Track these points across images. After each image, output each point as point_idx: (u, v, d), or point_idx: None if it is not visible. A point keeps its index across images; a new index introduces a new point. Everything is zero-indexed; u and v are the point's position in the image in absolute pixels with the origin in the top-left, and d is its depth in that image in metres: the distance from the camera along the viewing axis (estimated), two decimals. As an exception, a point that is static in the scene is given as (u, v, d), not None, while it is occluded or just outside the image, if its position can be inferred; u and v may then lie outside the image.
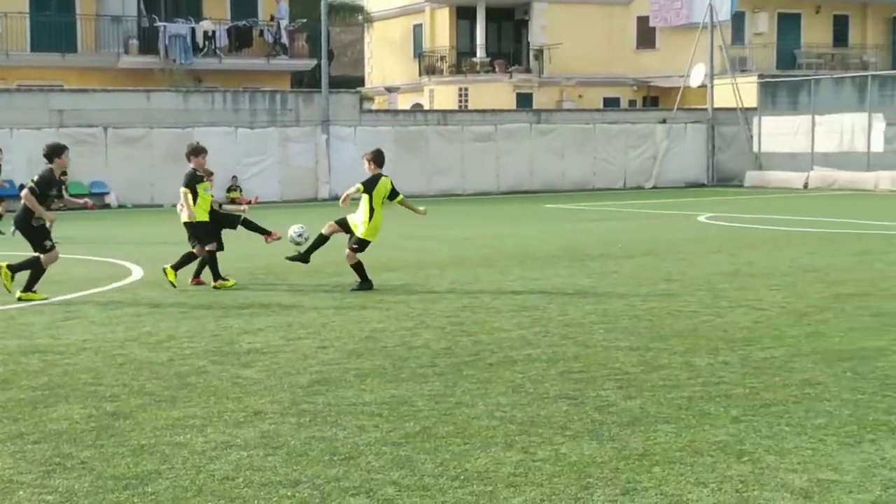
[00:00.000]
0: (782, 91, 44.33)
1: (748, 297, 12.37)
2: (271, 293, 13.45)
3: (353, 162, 29.31)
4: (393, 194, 13.57)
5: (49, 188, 12.71)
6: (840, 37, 56.64)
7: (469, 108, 47.81)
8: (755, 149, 42.98)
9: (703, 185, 43.12)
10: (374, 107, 49.89)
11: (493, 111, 42.15)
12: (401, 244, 19.45)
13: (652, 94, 53.79)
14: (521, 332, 10.32)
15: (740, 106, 42.67)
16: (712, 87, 43.79)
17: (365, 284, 13.39)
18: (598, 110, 45.47)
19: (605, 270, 15.31)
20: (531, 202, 34.25)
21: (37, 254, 12.84)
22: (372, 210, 13.36)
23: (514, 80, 51.36)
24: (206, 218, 13.87)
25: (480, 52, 51.93)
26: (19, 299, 12.72)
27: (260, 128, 36.86)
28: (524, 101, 50.43)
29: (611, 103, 51.43)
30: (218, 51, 43.08)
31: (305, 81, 49.97)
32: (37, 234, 12.80)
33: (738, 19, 51.54)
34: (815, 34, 55.62)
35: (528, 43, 52.82)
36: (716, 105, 44.05)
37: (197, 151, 14.02)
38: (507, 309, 11.81)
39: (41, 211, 12.60)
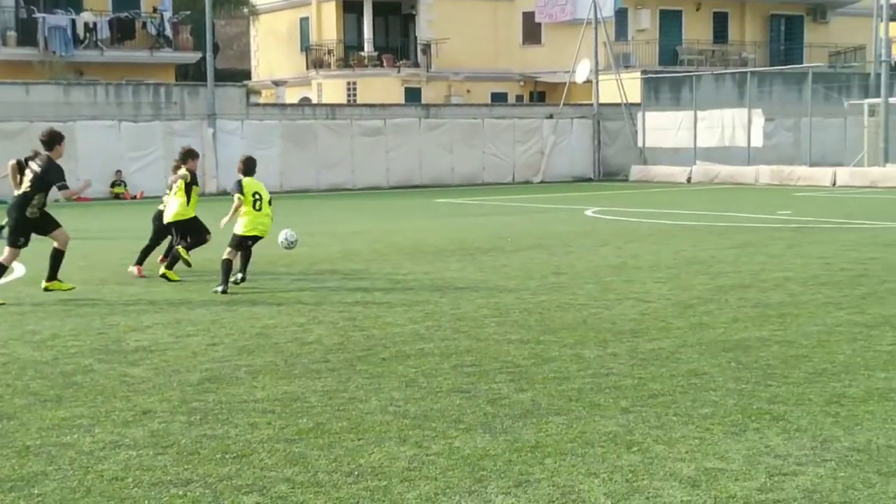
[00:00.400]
0: (665, 87, 45.21)
1: (635, 290, 12.59)
2: (159, 290, 13.23)
3: (240, 156, 28.91)
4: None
5: (61, 177, 12.31)
6: (720, 33, 57.96)
7: (357, 102, 47.70)
8: (640, 144, 43.74)
9: (589, 180, 43.73)
10: (262, 100, 49.40)
11: (381, 105, 42.11)
12: (290, 239, 19.32)
13: (539, 89, 54.34)
14: (414, 327, 10.33)
15: (625, 101, 43.39)
16: (597, 82, 44.45)
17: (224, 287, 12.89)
18: (486, 105, 45.77)
19: (496, 264, 15.43)
20: (421, 197, 34.31)
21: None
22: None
23: (402, 74, 51.36)
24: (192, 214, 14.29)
25: (368, 47, 51.82)
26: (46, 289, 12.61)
27: (144, 121, 36.19)
28: (413, 95, 50.48)
29: (498, 98, 51.82)
30: (100, 43, 42.18)
31: (190, 74, 49.24)
32: (17, 225, 12.34)
33: (621, 16, 52.36)
34: (695, 31, 56.82)
35: (416, 37, 52.89)
36: (601, 100, 44.72)
37: (194, 155, 14.69)
38: (400, 304, 11.82)
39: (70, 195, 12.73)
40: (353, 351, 9.21)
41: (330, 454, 6.20)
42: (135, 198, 24.25)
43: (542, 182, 42.36)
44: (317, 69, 52.08)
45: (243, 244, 13.40)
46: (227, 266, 13.04)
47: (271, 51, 56.75)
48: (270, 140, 38.10)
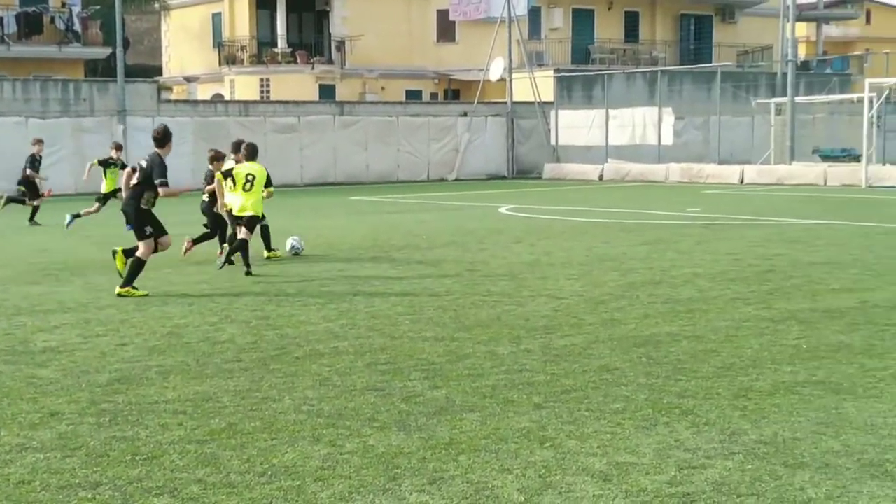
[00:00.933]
0: (577, 85, 45.63)
1: (548, 287, 12.69)
2: (67, 290, 12.99)
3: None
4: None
5: (163, 174, 12.52)
6: (631, 33, 58.67)
7: (271, 98, 47.33)
8: (553, 141, 44.09)
9: (503, 177, 43.95)
10: (173, 97, 48.80)
11: (295, 102, 41.83)
12: (202, 237, 19.10)
13: (453, 87, 54.46)
14: (328, 325, 10.29)
15: (538, 100, 43.68)
16: (511, 80, 44.70)
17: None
18: (400, 103, 45.74)
19: (411, 261, 15.43)
20: (336, 194, 34.18)
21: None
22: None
23: (316, 71, 51.10)
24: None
25: (282, 43, 51.46)
26: (119, 295, 12.22)
27: (52, 118, 35.49)
28: (327, 92, 50.25)
29: (413, 96, 51.82)
30: (6, 38, 41.28)
31: (100, 70, 48.44)
32: (138, 217, 12.59)
33: (534, 14, 52.73)
34: (607, 30, 57.43)
35: (330, 34, 52.65)
36: (515, 99, 44.98)
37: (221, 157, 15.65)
38: (314, 302, 11.76)
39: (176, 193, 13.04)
40: (266, 350, 9.14)
41: (242, 454, 6.15)
42: (42, 196, 24.17)
43: (456, 179, 42.46)
44: (229, 65, 51.58)
45: (238, 222, 14.55)
46: (244, 245, 14.15)
47: (183, 46, 56.05)
48: (182, 137, 37.47)
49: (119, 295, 12.26)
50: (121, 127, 36.20)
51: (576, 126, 43.33)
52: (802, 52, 74.29)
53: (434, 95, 53.77)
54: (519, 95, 44.93)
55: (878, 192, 30.47)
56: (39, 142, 24.74)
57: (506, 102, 45.18)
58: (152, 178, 12.52)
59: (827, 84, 49.24)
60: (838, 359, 8.50)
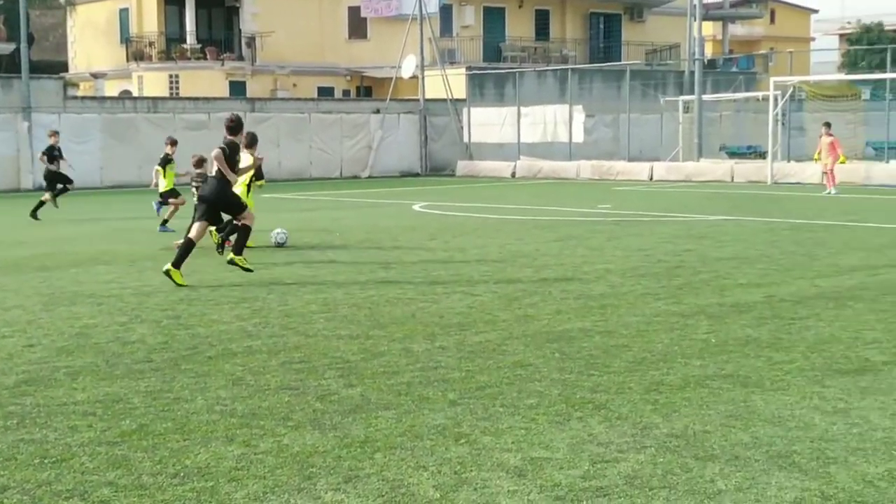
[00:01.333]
0: (489, 83, 45.86)
1: (462, 284, 12.73)
2: (-29, 290, 12.67)
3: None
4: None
5: (234, 156, 13.28)
6: (542, 31, 59.14)
7: (180, 95, 46.73)
8: (465, 139, 44.25)
9: (416, 175, 43.98)
10: (80, 93, 47.94)
11: (205, 99, 41.38)
12: (112, 237, 18.82)
13: (365, 84, 54.35)
14: (241, 324, 10.20)
15: (450, 97, 43.80)
16: (423, 78, 44.75)
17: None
18: (312, 100, 45.51)
19: (324, 259, 15.37)
20: (246, 192, 33.81)
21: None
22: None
23: (226, 67, 50.62)
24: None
25: (191, 39, 50.86)
26: (230, 262, 13.24)
27: (-46, 114, 34.63)
28: (237, 88, 49.80)
29: (325, 93, 51.60)
30: None
31: (4, 66, 47.37)
32: (237, 200, 13.48)
33: (445, 12, 52.86)
34: (518, 28, 57.80)
35: (240, 30, 52.18)
36: (427, 96, 45.05)
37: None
38: (226, 300, 11.65)
39: (233, 177, 13.41)
40: (177, 350, 9.02)
41: (154, 456, 6.06)
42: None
43: (369, 177, 42.39)
44: (137, 62, 50.84)
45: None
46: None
47: (89, 42, 55.06)
48: (90, 134, 37.02)
49: (231, 262, 13.33)
50: (25, 124, 35.44)
51: (488, 123, 43.55)
52: (709, 51, 75.56)
53: (346, 92, 53.61)
54: (431, 93, 45.00)
55: (783, 189, 31.12)
56: (55, 133, 25.14)
57: (418, 100, 45.23)
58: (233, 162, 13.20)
59: (733, 82, 50.22)
60: (746, 352, 8.67)
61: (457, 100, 44.30)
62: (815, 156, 29.66)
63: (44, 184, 25.04)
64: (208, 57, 50.38)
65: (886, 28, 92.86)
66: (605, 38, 61.23)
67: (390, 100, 44.46)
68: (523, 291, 12.04)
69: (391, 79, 45.24)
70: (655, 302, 11.20)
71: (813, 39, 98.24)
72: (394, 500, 5.36)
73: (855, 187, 30.52)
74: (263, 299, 11.71)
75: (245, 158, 15.22)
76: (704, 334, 9.44)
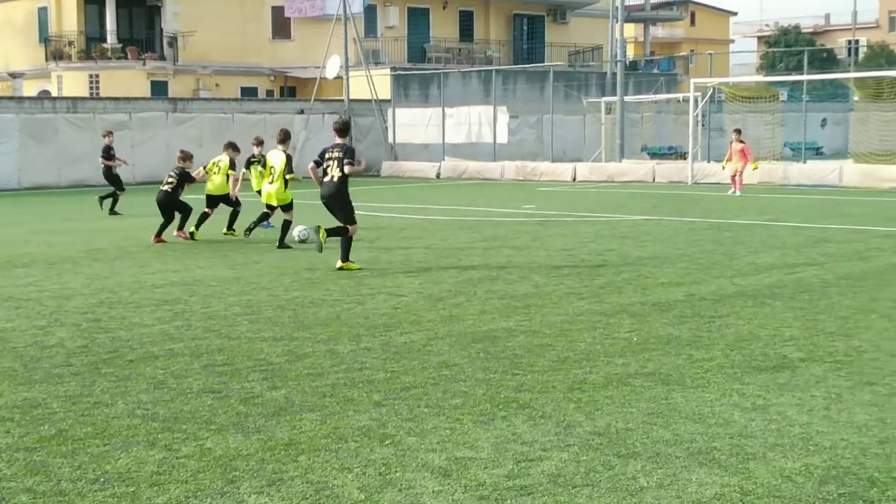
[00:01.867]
0: (414, 84, 45.87)
1: (387, 284, 12.72)
2: None
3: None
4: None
5: (353, 156, 14.30)
6: (466, 32, 59.32)
7: (101, 95, 46.04)
8: (390, 139, 44.21)
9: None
10: (-3, 93, 46.96)
11: (126, 99, 40.81)
12: (30, 238, 18.49)
13: (289, 84, 54.05)
14: (163, 327, 10.08)
15: (375, 98, 43.74)
16: (348, 78, 44.63)
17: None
18: (236, 100, 45.10)
19: (248, 261, 15.25)
20: (169, 193, 33.41)
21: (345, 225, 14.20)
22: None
23: (147, 67, 50.00)
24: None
25: (111, 38, 50.14)
26: (339, 269, 13.91)
27: None
28: (159, 88, 49.22)
29: (248, 93, 51.21)
30: None
31: (-83, 65, 46.28)
32: (351, 205, 14.34)
33: (370, 13, 52.79)
34: (443, 29, 57.92)
35: (162, 30, 51.58)
36: (352, 96, 44.93)
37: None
38: (147, 303, 11.51)
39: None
40: (97, 353, 8.89)
41: (74, 461, 5.97)
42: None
43: (294, 178, 42.09)
44: (57, 61, 50.00)
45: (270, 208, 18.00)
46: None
47: (6, 41, 54.03)
48: (7, 134, 36.32)
49: (340, 268, 13.96)
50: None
51: (413, 124, 43.56)
52: (631, 53, 76.40)
53: (270, 93, 53.26)
54: (356, 93, 44.91)
55: (703, 189, 31.56)
56: (109, 133, 26.49)
57: (343, 100, 45.08)
58: (343, 163, 14.16)
59: (654, 84, 50.84)
60: (667, 351, 8.78)
61: (381, 100, 44.25)
62: (724, 163, 30.05)
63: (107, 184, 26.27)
64: (129, 56, 49.71)
65: (803, 30, 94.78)
66: (528, 40, 61.60)
67: (315, 100, 44.25)
68: (448, 292, 12.07)
69: (315, 79, 45.03)
70: (578, 301, 11.30)
71: (732, 42, 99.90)
72: (318, 502, 5.34)
73: (773, 187, 31.07)
74: (185, 302, 11.59)
75: (278, 155, 17.88)
76: (626, 333, 9.55)
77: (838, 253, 15.17)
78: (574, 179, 37.54)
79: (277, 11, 52.80)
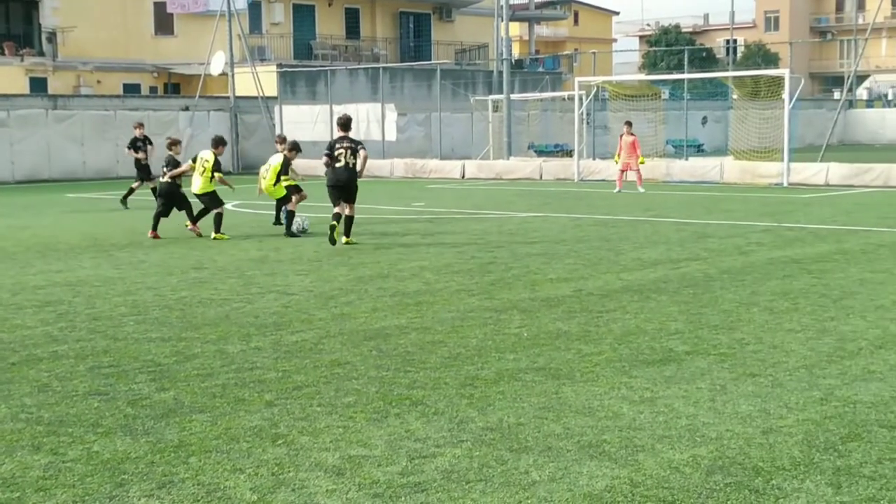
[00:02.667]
0: (301, 81, 45.56)
1: (277, 283, 12.63)
2: None
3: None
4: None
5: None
6: (352, 29, 59.16)
7: (-24, 92, 44.69)
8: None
9: (228, 173, 43.18)
10: None
11: (4, 96, 39.66)
12: None
13: (173, 80, 53.21)
14: (46, 329, 9.85)
15: (261, 94, 43.32)
16: (233, 75, 44.12)
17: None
18: (118, 96, 44.24)
19: (133, 260, 14.98)
20: (51, 191, 32.70)
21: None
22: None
23: (25, 63, 48.72)
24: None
25: (-13, 33, 48.74)
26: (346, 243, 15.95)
27: None
28: (38, 85, 48.00)
29: (131, 89, 50.27)
30: None
31: None
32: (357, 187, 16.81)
33: (255, 9, 52.27)
34: (329, 26, 57.64)
35: (40, 25, 50.29)
36: (238, 93, 44.42)
37: (223, 142, 19.35)
38: (30, 305, 11.22)
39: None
40: (-22, 357, 8.64)
41: (-45, 469, 5.80)
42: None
43: (179, 175, 41.48)
44: (-72, 56, 48.39)
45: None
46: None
47: None
48: None
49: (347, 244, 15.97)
50: None
51: (301, 121, 43.22)
52: (516, 52, 77.12)
53: (153, 89, 52.36)
54: (242, 90, 44.41)
55: (589, 185, 31.99)
56: (140, 125, 27.70)
57: (229, 97, 44.55)
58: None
59: (540, 82, 51.38)
60: (557, 345, 8.89)
61: (268, 97, 43.84)
62: (616, 157, 30.34)
63: (137, 173, 26.82)
64: (6, 52, 48.36)
65: (683, 30, 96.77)
66: (415, 38, 61.72)
67: (200, 97, 43.65)
68: (339, 290, 12.03)
69: (200, 76, 44.42)
70: (469, 298, 11.36)
71: (615, 41, 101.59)
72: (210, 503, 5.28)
73: (656, 184, 31.64)
74: (69, 302, 11.33)
75: (276, 157, 19.96)
76: (517, 328, 9.64)
77: (720, 248, 15.54)
78: (463, 177, 37.73)
79: (160, 7, 51.92)
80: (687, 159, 36.31)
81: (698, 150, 49.27)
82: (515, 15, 67.57)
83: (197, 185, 18.46)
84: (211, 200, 18.50)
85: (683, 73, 40.89)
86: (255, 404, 7.10)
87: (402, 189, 32.09)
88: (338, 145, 16.58)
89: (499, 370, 8.02)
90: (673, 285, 12.08)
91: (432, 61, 51.96)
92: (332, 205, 16.77)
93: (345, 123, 16.92)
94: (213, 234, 17.92)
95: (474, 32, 62.61)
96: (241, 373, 8.01)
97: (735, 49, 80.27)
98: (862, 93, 78.12)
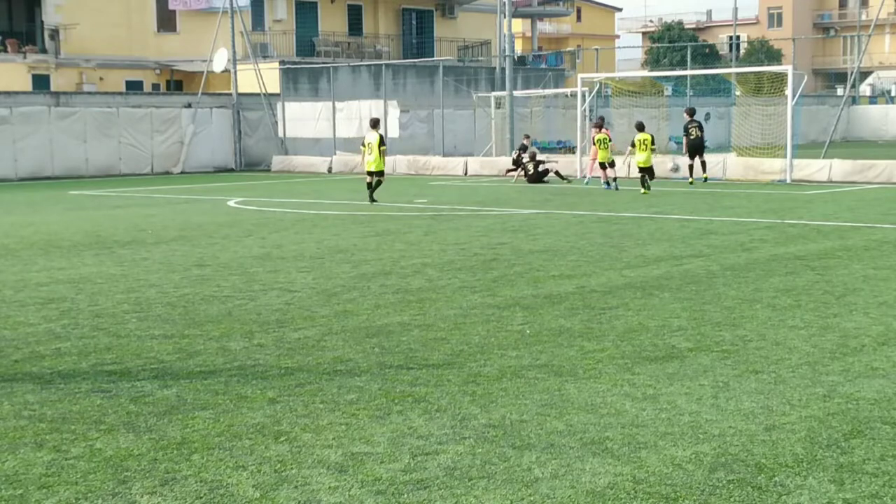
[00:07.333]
0: (303, 78, 45.54)
1: (280, 280, 12.63)
2: None
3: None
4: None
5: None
6: (355, 26, 59.11)
7: (-21, 89, 44.72)
8: (280, 134, 43.84)
9: (231, 170, 43.33)
10: None
11: (6, 93, 39.68)
12: None
13: (176, 77, 53.19)
14: (49, 326, 9.85)
15: (264, 91, 43.32)
16: (235, 72, 44.11)
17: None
18: (120, 93, 44.25)
19: (136, 258, 14.99)
20: (54, 188, 32.73)
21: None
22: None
23: (28, 60, 48.72)
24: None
25: (-10, 30, 48.74)
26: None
27: None
28: (41, 82, 48.01)
29: (133, 86, 50.28)
30: None
31: None
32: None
33: (257, 6, 52.25)
34: (331, 23, 57.61)
35: (43, 22, 50.29)
36: (240, 90, 44.42)
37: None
38: (33, 302, 11.23)
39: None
40: (-19, 354, 8.65)
41: (-42, 466, 5.81)
42: None
43: (182, 172, 41.54)
44: (-69, 53, 48.41)
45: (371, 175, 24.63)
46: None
47: None
48: None
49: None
50: None
51: (303, 118, 43.26)
52: (519, 48, 77.09)
53: (156, 86, 52.35)
54: (244, 87, 44.41)
55: (591, 182, 31.95)
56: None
57: (231, 94, 44.55)
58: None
59: (542, 79, 51.35)
60: (560, 342, 8.89)
61: (270, 94, 43.84)
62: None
63: None
64: (9, 50, 48.37)
65: (686, 26, 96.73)
66: (417, 34, 61.66)
67: (202, 94, 43.65)
68: (342, 287, 12.03)
69: (202, 73, 44.42)
70: (472, 295, 11.36)
71: (617, 37, 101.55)
72: (212, 501, 5.28)
73: (659, 180, 31.60)
74: (72, 300, 11.34)
75: (373, 135, 24.63)
76: (519, 325, 9.64)
77: (723, 245, 15.53)
78: (465, 174, 37.71)
79: (162, 4, 51.88)
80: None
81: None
82: (518, 11, 67.51)
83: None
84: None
85: (686, 69, 40.84)
86: (258, 401, 7.10)
87: (404, 186, 32.08)
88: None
89: (501, 367, 8.01)
90: (676, 282, 12.07)
91: (435, 58, 51.91)
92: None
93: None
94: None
95: (477, 29, 62.55)
96: (244, 370, 8.01)
97: (738, 45, 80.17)
98: (865, 89, 77.99)
